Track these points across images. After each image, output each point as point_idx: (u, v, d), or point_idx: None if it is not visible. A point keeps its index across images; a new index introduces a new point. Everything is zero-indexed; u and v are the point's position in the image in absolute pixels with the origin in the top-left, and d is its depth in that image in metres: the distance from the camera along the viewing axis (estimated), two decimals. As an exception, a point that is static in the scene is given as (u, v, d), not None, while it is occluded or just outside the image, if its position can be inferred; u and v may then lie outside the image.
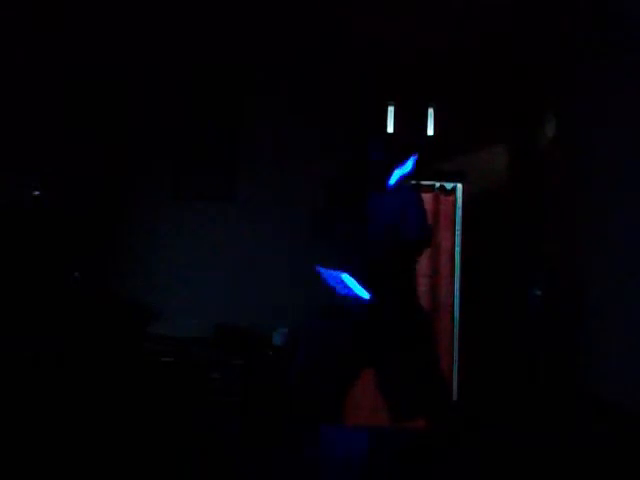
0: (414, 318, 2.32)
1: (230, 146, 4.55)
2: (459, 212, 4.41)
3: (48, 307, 2.91)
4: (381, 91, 4.44)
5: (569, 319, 3.70)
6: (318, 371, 2.26)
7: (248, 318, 4.24)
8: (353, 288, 2.31)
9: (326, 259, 2.42)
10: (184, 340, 4.08)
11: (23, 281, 2.92)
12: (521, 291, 4.08)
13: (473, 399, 4.02)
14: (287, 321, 4.12)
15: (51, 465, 1.32)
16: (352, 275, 2.29)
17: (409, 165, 2.49)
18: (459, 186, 4.44)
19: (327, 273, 2.37)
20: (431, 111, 4.49)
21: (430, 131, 4.49)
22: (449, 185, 4.43)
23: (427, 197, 4.05)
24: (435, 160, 4.42)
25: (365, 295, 2.31)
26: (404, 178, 2.50)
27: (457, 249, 4.38)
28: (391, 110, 4.44)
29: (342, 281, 2.31)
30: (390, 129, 4.41)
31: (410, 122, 4.45)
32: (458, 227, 4.39)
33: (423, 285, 4.17)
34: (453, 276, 4.36)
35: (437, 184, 4.41)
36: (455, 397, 4.06)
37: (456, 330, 4.31)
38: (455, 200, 4.43)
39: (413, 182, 3.71)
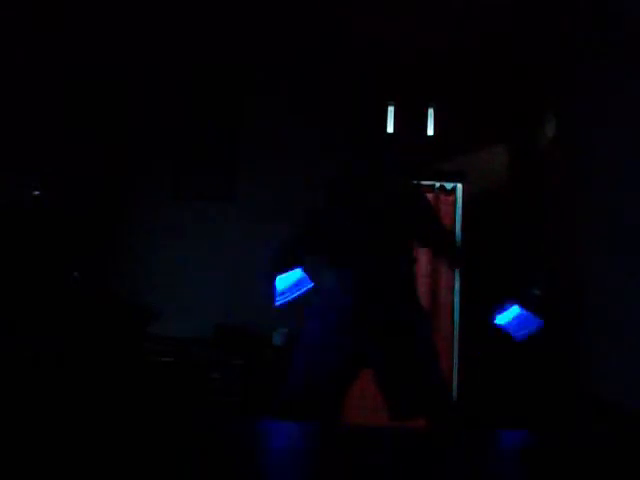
0: (414, 318, 2.32)
1: (230, 146, 4.55)
2: (459, 212, 4.41)
3: (48, 307, 2.91)
4: (381, 91, 4.44)
5: (569, 319, 3.70)
6: (317, 371, 2.26)
7: (248, 318, 4.24)
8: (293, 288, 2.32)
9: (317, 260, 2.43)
10: (184, 340, 4.08)
11: (23, 281, 2.92)
12: (521, 291, 4.08)
13: (473, 399, 4.02)
14: (287, 321, 4.12)
15: (51, 465, 1.32)
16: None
17: None
18: (459, 186, 4.44)
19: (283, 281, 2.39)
20: (431, 111, 4.50)
21: (430, 131, 4.50)
22: (449, 185, 4.43)
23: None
24: (435, 160, 4.43)
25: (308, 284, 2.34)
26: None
27: (457, 249, 4.38)
28: (391, 110, 4.44)
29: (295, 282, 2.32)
30: (390, 129, 4.41)
31: (410, 122, 4.45)
32: (458, 227, 4.40)
33: (423, 285, 4.17)
34: (453, 276, 4.36)
35: (437, 184, 4.42)
36: (455, 397, 4.06)
37: (456, 330, 4.32)
38: (455, 200, 4.43)
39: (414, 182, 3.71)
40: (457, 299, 4.35)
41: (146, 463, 1.36)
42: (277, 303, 2.42)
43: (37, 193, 3.36)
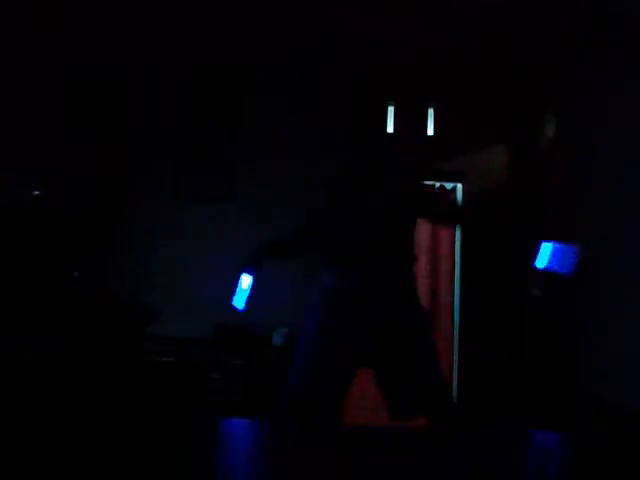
0: (414, 318, 2.32)
1: (230, 146, 4.55)
2: (459, 212, 4.41)
3: (48, 307, 2.91)
4: (381, 91, 4.44)
5: (569, 319, 3.70)
6: (317, 371, 2.26)
7: (248, 318, 4.24)
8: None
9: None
10: (184, 340, 4.08)
11: (23, 281, 2.92)
12: (521, 291, 4.08)
13: (473, 399, 4.02)
14: (287, 321, 4.12)
15: (51, 465, 1.32)
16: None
17: None
18: (459, 186, 4.44)
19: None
20: (431, 111, 4.50)
21: (430, 131, 4.50)
22: (449, 185, 4.43)
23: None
24: (435, 160, 4.42)
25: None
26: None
27: (457, 249, 4.38)
28: (391, 110, 4.44)
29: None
30: (390, 129, 4.41)
31: (410, 122, 4.45)
32: (458, 227, 4.39)
33: (423, 286, 4.17)
34: (453, 276, 4.36)
35: (437, 184, 4.41)
36: (455, 397, 4.06)
37: (456, 330, 4.32)
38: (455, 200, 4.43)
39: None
40: (457, 299, 4.35)
41: (146, 463, 1.36)
42: (234, 303, 2.52)
43: (37, 193, 3.36)
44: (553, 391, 3.67)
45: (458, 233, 4.38)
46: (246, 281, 2.52)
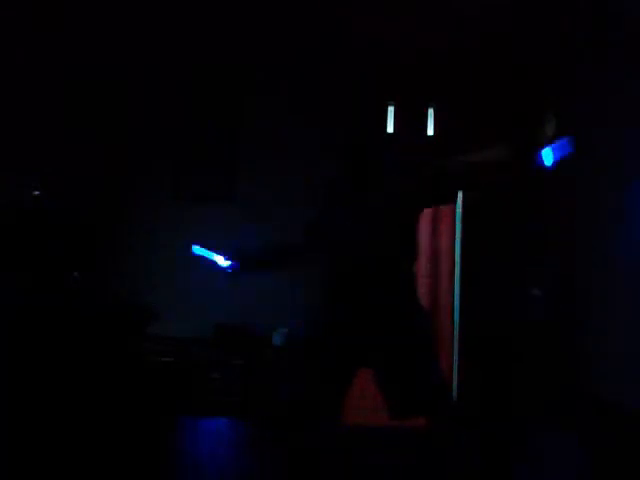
0: (414, 317, 2.32)
1: (230, 146, 4.55)
2: (459, 212, 4.41)
3: (47, 307, 2.91)
4: (381, 91, 4.44)
5: (569, 319, 3.70)
6: (317, 372, 2.26)
7: (248, 318, 4.24)
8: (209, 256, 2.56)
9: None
10: (184, 340, 4.08)
11: (22, 281, 2.92)
12: (521, 291, 4.08)
13: (473, 399, 4.02)
14: (287, 321, 4.12)
15: (51, 465, 1.32)
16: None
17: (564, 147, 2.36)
18: (459, 186, 4.43)
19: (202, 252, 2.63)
20: (431, 111, 4.49)
21: (430, 131, 4.49)
22: (449, 185, 4.42)
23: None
24: (435, 160, 4.41)
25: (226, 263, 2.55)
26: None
27: (457, 249, 4.38)
28: (391, 110, 4.44)
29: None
30: (390, 129, 4.41)
31: (410, 122, 4.45)
32: (458, 227, 4.39)
33: (423, 286, 4.17)
34: (453, 276, 4.36)
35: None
36: (455, 397, 4.06)
37: (456, 330, 4.31)
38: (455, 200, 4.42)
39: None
40: (457, 299, 4.35)
41: (146, 463, 1.36)
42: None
43: (37, 193, 3.36)
44: (553, 391, 3.67)
45: (458, 233, 4.38)
46: (220, 260, 2.56)
